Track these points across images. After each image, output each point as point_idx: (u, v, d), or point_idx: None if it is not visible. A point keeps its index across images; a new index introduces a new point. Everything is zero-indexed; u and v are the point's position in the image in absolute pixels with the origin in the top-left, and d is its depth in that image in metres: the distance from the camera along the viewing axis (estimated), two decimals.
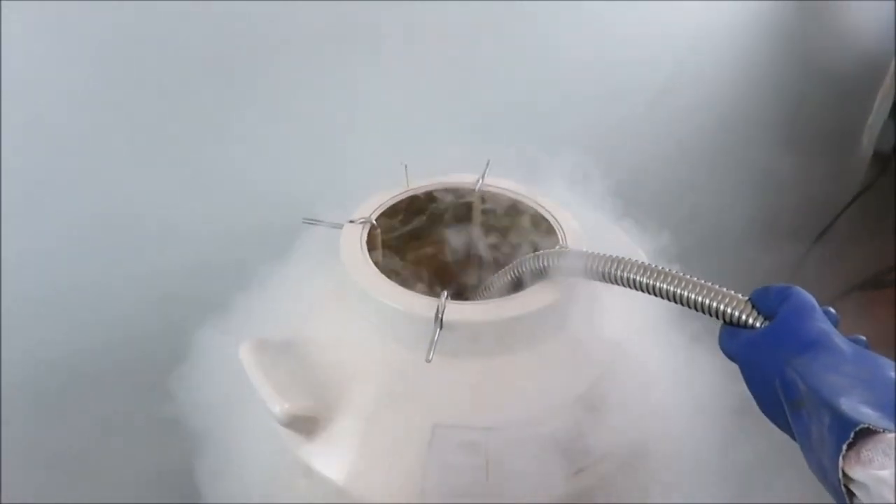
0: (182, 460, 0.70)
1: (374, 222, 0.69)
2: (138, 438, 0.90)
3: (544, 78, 1.11)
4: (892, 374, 0.41)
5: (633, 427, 0.61)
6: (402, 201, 0.73)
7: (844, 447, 0.37)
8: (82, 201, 0.80)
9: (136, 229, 0.85)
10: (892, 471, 0.35)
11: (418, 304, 0.58)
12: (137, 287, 0.88)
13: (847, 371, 0.42)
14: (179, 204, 0.86)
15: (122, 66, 0.77)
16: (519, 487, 0.55)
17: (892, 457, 0.36)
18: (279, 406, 0.56)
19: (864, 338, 0.46)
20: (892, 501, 0.35)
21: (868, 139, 1.91)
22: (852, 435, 0.37)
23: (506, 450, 0.56)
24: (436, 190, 0.75)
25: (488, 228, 0.78)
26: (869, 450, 0.37)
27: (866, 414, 0.38)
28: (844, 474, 0.38)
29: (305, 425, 0.58)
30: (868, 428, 0.37)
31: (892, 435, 0.36)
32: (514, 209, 0.74)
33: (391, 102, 0.96)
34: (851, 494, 0.38)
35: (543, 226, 0.70)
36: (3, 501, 0.88)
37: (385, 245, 0.73)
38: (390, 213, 0.72)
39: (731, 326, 0.50)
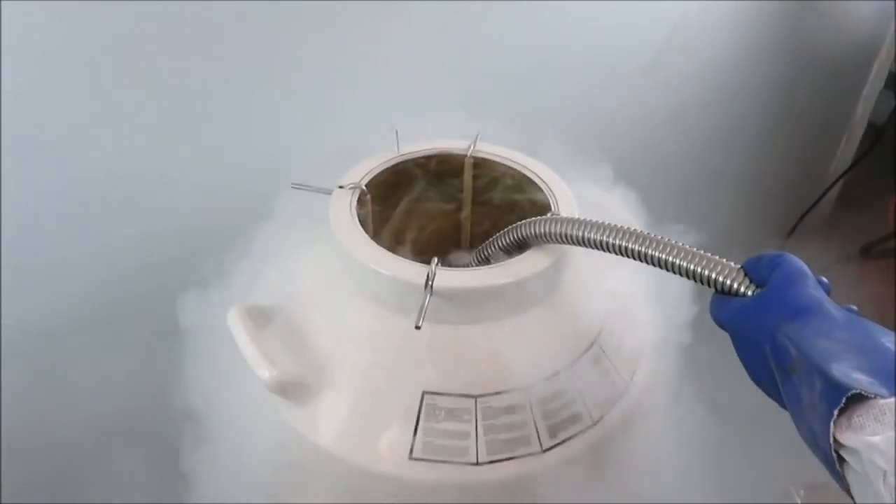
0: (173, 427, 0.70)
1: (364, 188, 0.68)
2: (131, 404, 0.91)
3: (538, 46, 1.09)
4: (885, 340, 0.41)
5: (623, 395, 0.61)
6: (392, 166, 0.72)
7: (836, 412, 0.37)
8: (71, 167, 0.79)
9: (127, 194, 0.84)
10: (884, 437, 0.35)
11: (408, 270, 0.57)
12: (129, 253, 0.88)
13: (839, 336, 0.41)
14: (169, 169, 0.85)
15: (110, 34, 0.75)
16: (508, 455, 0.56)
17: (884, 422, 0.36)
18: (267, 372, 0.56)
19: (855, 307, 0.46)
20: (884, 467, 0.35)
21: (863, 110, 1.90)
22: (844, 400, 0.37)
23: (495, 417, 0.56)
24: (427, 155, 0.74)
25: (480, 194, 0.78)
26: (860, 415, 0.37)
27: (858, 380, 0.38)
28: (835, 440, 0.38)
29: (294, 392, 0.58)
30: (860, 393, 0.37)
31: (884, 401, 0.36)
32: (506, 175, 0.73)
33: (385, 69, 0.94)
34: (842, 460, 0.38)
35: (535, 192, 0.70)
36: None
37: (375, 211, 0.72)
38: (380, 178, 0.71)
39: (723, 295, 0.50)
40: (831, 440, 0.38)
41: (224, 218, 0.77)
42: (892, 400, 0.36)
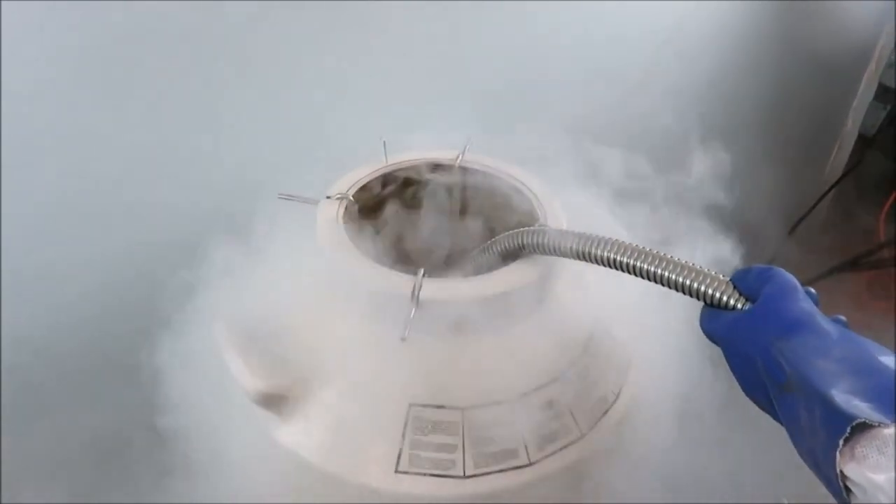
0: (157, 438, 0.69)
1: (352, 198, 0.67)
2: (116, 416, 0.90)
3: (531, 58, 1.09)
4: (882, 358, 0.40)
5: (610, 407, 0.61)
6: (380, 176, 0.72)
7: (841, 443, 0.36)
8: (56, 180, 0.79)
9: (111, 207, 0.84)
10: (887, 477, 0.35)
11: (394, 281, 0.57)
12: (117, 263, 0.87)
13: (835, 355, 0.41)
14: (155, 180, 0.85)
15: (94, 46, 0.75)
16: (495, 468, 0.55)
17: (887, 454, 0.35)
18: (253, 384, 0.55)
19: (843, 318, 0.45)
20: None
21: (853, 122, 1.92)
22: (848, 430, 0.36)
23: (481, 429, 0.55)
24: (415, 165, 0.74)
25: (468, 205, 0.77)
26: (863, 446, 0.36)
27: (859, 407, 0.37)
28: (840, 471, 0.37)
29: (280, 403, 0.57)
30: (863, 422, 0.36)
31: (887, 430, 0.35)
32: (495, 185, 0.73)
33: (374, 79, 0.94)
34: (848, 489, 0.37)
35: (524, 203, 0.69)
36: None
37: (362, 221, 0.72)
38: (368, 188, 0.71)
39: (712, 307, 0.50)
40: (838, 471, 0.37)
41: (212, 228, 0.77)
42: (894, 429, 0.35)
